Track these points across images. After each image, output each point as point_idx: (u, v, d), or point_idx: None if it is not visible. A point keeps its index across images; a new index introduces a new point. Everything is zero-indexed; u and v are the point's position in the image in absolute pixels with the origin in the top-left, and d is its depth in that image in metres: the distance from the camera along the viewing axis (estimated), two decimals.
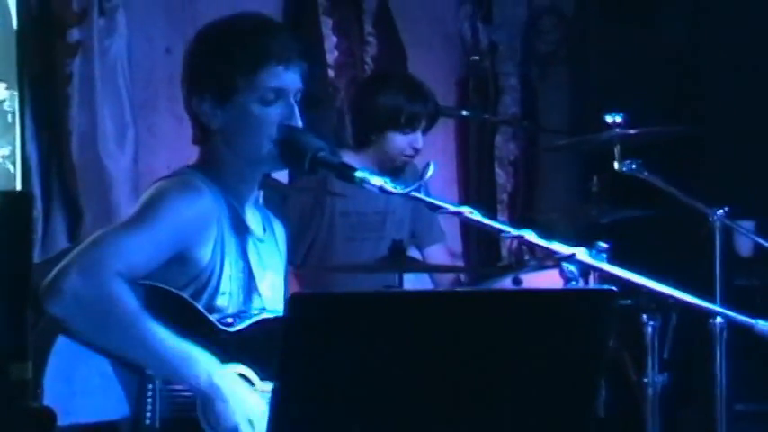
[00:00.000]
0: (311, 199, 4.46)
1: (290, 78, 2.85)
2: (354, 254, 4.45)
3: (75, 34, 4.54)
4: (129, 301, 2.63)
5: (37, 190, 4.45)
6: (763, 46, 5.36)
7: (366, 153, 4.46)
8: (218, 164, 2.88)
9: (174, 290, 2.73)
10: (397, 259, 4.05)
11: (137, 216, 2.74)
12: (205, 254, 2.79)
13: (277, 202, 4.46)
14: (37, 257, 4.32)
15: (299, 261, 4.47)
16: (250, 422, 2.68)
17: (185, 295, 2.74)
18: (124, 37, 4.65)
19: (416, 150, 4.45)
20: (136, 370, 2.68)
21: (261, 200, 3.09)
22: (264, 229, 2.99)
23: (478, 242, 5.33)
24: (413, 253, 4.67)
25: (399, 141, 4.43)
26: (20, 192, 3.90)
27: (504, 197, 5.85)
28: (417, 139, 4.44)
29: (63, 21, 4.52)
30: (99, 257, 2.64)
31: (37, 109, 4.50)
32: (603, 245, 3.60)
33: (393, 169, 4.48)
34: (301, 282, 4.47)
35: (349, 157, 4.44)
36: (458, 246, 5.58)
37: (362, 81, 5.01)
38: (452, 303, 2.28)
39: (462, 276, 4.78)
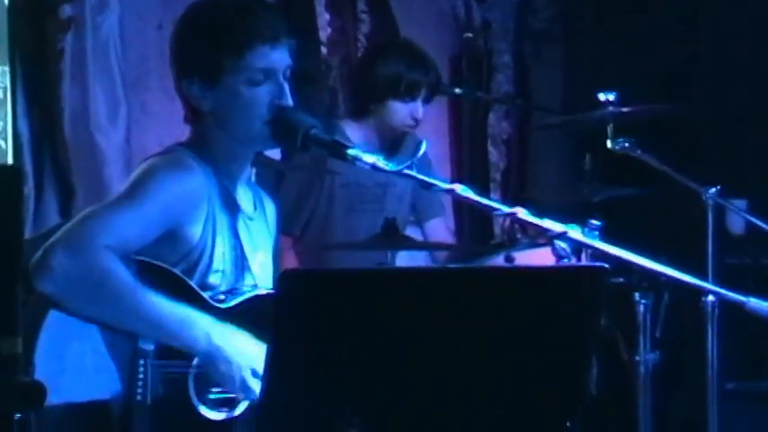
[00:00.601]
0: (308, 176, 4.45)
1: (277, 57, 2.84)
2: (354, 225, 4.45)
3: (67, 10, 4.53)
4: (120, 271, 2.63)
5: (29, 166, 4.45)
6: (757, 26, 5.35)
7: (366, 122, 4.46)
8: (209, 143, 2.88)
9: (166, 266, 2.73)
10: (390, 237, 4.05)
11: (127, 193, 2.74)
12: (196, 231, 2.79)
13: (271, 179, 4.47)
14: (28, 234, 4.30)
15: (297, 232, 4.47)
16: (254, 373, 2.68)
17: (177, 272, 2.74)
18: (116, 13, 4.63)
19: (417, 121, 4.45)
20: (128, 346, 2.68)
21: (253, 177, 3.08)
22: (255, 207, 2.99)
23: (471, 220, 5.33)
24: (412, 228, 4.68)
25: (399, 110, 4.42)
26: (10, 166, 3.89)
27: (497, 175, 5.85)
28: (417, 108, 4.43)
29: None
30: (87, 233, 2.64)
31: (29, 85, 4.48)
32: (596, 223, 3.61)
33: (393, 140, 4.48)
34: (300, 258, 4.47)
35: (350, 127, 4.46)
36: (450, 223, 5.57)
37: (364, 50, 4.98)
38: (443, 281, 2.28)
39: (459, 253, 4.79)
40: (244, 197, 2.95)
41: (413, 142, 4.49)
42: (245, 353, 2.70)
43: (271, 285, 2.90)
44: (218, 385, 2.73)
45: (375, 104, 4.43)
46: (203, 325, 2.69)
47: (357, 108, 4.53)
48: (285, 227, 4.18)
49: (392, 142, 4.48)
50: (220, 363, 2.69)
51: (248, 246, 2.92)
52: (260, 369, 2.65)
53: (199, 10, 2.91)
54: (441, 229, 4.72)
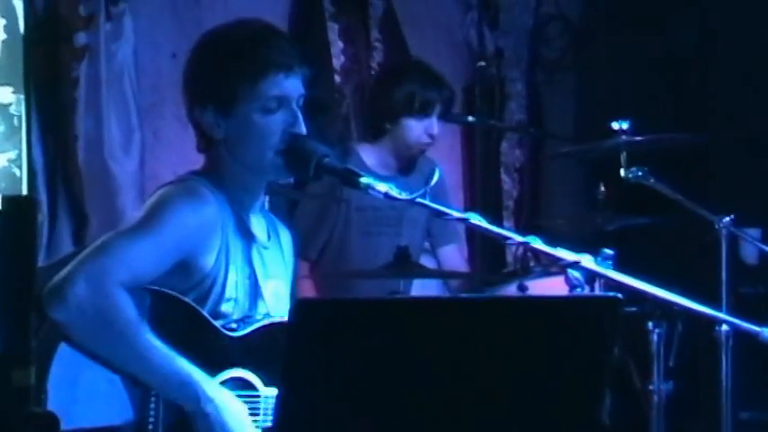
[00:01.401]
0: (322, 202, 4.46)
1: (291, 85, 2.85)
2: (371, 249, 4.45)
3: (81, 38, 4.55)
4: (130, 313, 2.63)
5: (42, 194, 4.46)
6: None
7: (382, 144, 4.48)
8: (222, 171, 2.88)
9: (178, 295, 2.72)
10: (403, 265, 4.05)
11: (141, 222, 2.73)
12: (209, 261, 2.79)
13: (284, 207, 4.47)
14: (41, 262, 4.32)
15: (314, 256, 4.47)
16: None
17: (190, 301, 2.74)
18: (131, 41, 4.66)
19: (432, 137, 4.46)
20: None
21: (267, 205, 3.08)
22: (269, 236, 2.99)
23: (484, 248, 5.32)
24: (425, 256, 4.68)
25: (415, 127, 4.44)
26: (25, 196, 3.90)
27: (510, 204, 5.85)
28: (432, 124, 4.45)
29: (70, 25, 4.53)
30: (104, 266, 2.64)
31: (43, 113, 4.50)
32: (609, 252, 3.60)
33: (409, 159, 4.48)
34: (317, 285, 4.47)
35: (365, 150, 4.47)
36: (463, 252, 5.57)
37: (377, 73, 5.00)
38: (457, 310, 2.27)
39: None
40: (257, 226, 2.94)
41: (427, 164, 4.51)
42: (232, 425, 2.67)
43: (285, 313, 2.89)
44: None
45: (391, 124, 4.45)
46: (198, 386, 2.66)
47: (372, 130, 4.54)
48: (301, 251, 4.19)
49: (408, 162, 4.49)
50: (205, 429, 2.67)
51: (261, 274, 2.91)
52: None
53: (213, 38, 2.92)
54: (455, 255, 4.72)
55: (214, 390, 2.68)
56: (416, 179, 4.40)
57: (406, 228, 4.50)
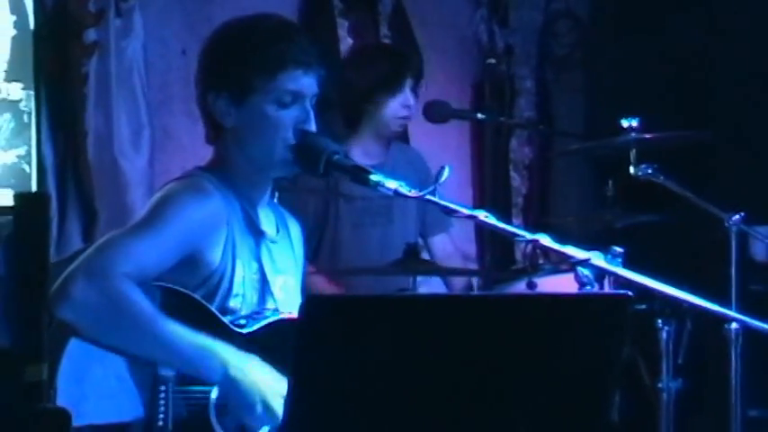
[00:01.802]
0: (321, 200, 4.46)
1: (307, 83, 2.86)
2: (363, 240, 4.45)
3: (91, 35, 4.56)
4: (139, 299, 2.64)
5: (52, 190, 4.47)
6: None
7: (362, 131, 4.48)
8: (229, 166, 2.89)
9: (186, 291, 2.73)
10: (411, 262, 4.05)
11: (145, 218, 2.74)
12: (215, 256, 2.79)
13: (287, 202, 4.47)
14: (52, 258, 4.32)
15: (310, 256, 4.47)
16: (266, 405, 2.68)
17: (198, 297, 2.74)
18: (140, 38, 4.66)
19: (410, 109, 4.46)
20: (149, 371, 2.68)
21: (276, 199, 3.08)
22: (278, 230, 2.99)
23: (493, 245, 5.32)
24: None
25: (390, 104, 4.45)
26: (37, 192, 3.91)
27: (519, 201, 5.84)
28: (407, 97, 4.47)
29: (80, 21, 4.54)
30: (106, 260, 2.64)
31: (53, 109, 4.51)
32: (619, 249, 3.59)
33: (390, 140, 4.53)
34: (331, 281, 4.47)
35: (351, 148, 4.47)
36: (472, 249, 5.57)
37: (344, 62, 4.96)
38: (466, 307, 2.28)
39: (475, 280, 4.77)
40: (266, 220, 2.95)
41: (407, 153, 4.52)
42: (261, 384, 2.69)
43: (295, 308, 2.88)
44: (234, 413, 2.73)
45: (366, 105, 4.46)
46: (221, 355, 2.68)
47: (351, 120, 4.54)
48: None
49: (388, 144, 4.51)
50: (236, 394, 2.68)
51: (270, 269, 2.91)
52: (273, 403, 2.66)
53: (236, 27, 2.92)
54: (447, 245, 4.70)
55: (238, 357, 2.69)
56: (399, 164, 4.43)
57: (398, 217, 4.50)
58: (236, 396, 2.68)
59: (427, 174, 4.49)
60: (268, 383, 2.69)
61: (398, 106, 4.48)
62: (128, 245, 2.68)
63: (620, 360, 2.33)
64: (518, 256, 5.51)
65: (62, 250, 4.43)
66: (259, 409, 2.68)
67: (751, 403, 4.45)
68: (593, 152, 5.02)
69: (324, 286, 4.36)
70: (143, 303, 2.64)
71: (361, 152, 4.43)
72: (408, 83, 4.49)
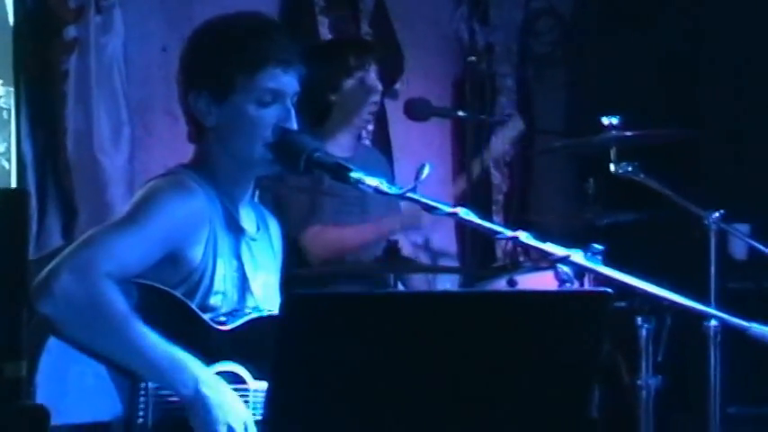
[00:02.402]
0: (306, 199, 4.45)
1: (288, 81, 2.86)
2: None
3: (71, 32, 4.54)
4: (119, 303, 2.63)
5: (32, 187, 4.45)
6: (760, 49, 5.36)
7: (330, 123, 4.48)
8: (211, 164, 2.88)
9: (166, 289, 2.72)
10: (393, 260, 4.05)
11: (128, 216, 2.73)
12: (197, 253, 2.79)
13: (269, 200, 4.47)
14: (31, 255, 4.30)
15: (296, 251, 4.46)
16: (229, 429, 2.67)
17: (178, 294, 2.74)
18: (120, 35, 4.65)
19: (375, 89, 4.50)
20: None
21: (257, 197, 3.08)
22: (258, 228, 2.99)
23: (473, 243, 5.33)
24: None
25: (353, 87, 4.46)
26: (15, 189, 3.89)
27: (500, 198, 5.85)
28: (370, 77, 4.49)
29: (60, 18, 4.52)
30: (90, 258, 2.63)
31: (33, 106, 4.49)
32: (598, 247, 3.60)
33: (360, 128, 4.58)
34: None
35: (329, 143, 4.47)
36: (453, 246, 5.58)
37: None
38: (446, 304, 2.28)
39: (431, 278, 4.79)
40: (246, 218, 2.95)
41: (375, 157, 4.52)
42: (228, 406, 2.67)
43: (274, 305, 2.89)
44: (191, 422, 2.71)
45: (334, 94, 4.46)
46: (193, 370, 2.66)
47: (318, 114, 4.53)
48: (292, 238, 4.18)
49: (366, 122, 4.56)
50: (203, 411, 2.66)
51: (250, 267, 2.91)
52: (236, 425, 2.65)
53: (216, 26, 2.92)
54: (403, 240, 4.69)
55: (208, 373, 2.68)
56: (368, 160, 4.48)
57: (372, 207, 4.50)
58: (202, 413, 2.66)
59: (389, 176, 4.49)
60: (235, 407, 2.68)
61: (364, 93, 4.48)
62: (111, 242, 2.67)
63: (599, 357, 2.34)
64: (499, 253, 5.52)
65: (42, 247, 4.41)
66: (222, 430, 2.67)
67: (730, 400, 4.47)
68: (574, 150, 5.04)
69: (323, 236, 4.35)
70: (122, 308, 2.62)
71: (331, 144, 4.44)
72: (372, 68, 4.51)
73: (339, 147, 4.44)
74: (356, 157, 4.44)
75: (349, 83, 4.47)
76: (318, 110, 4.51)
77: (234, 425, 2.66)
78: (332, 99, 4.49)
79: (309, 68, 4.54)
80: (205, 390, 2.66)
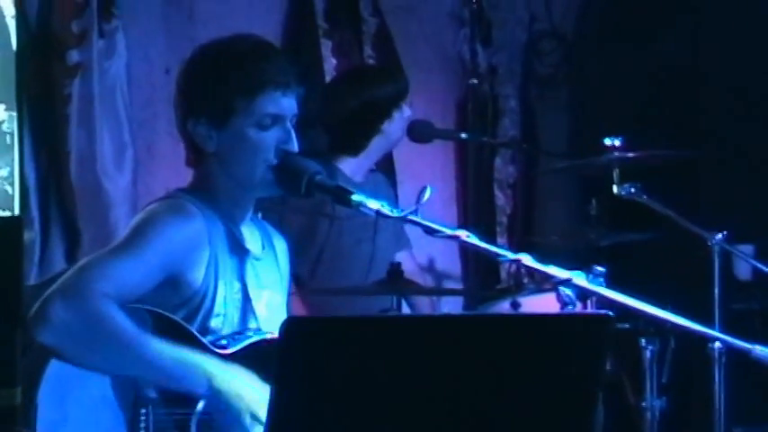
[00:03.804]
0: (305, 223, 4.45)
1: (287, 103, 2.86)
2: (361, 256, 4.45)
3: (74, 56, 4.55)
4: (119, 318, 2.63)
5: (35, 211, 4.45)
6: (761, 67, 5.36)
7: (371, 150, 4.50)
8: (211, 186, 2.88)
9: (165, 313, 2.72)
10: (396, 282, 4.04)
11: (126, 240, 2.74)
12: (197, 276, 2.79)
13: (274, 221, 4.46)
14: (34, 279, 4.31)
15: (306, 270, 4.45)
16: (253, 417, 2.68)
17: (178, 318, 2.74)
18: (123, 58, 4.66)
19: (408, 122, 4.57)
20: (130, 392, 2.67)
21: (260, 215, 3.08)
22: (263, 246, 2.99)
23: (477, 265, 5.32)
24: None
25: (396, 123, 4.49)
26: (11, 216, 3.89)
27: (504, 219, 5.84)
28: (407, 110, 4.52)
29: (63, 42, 4.53)
30: (85, 281, 2.63)
31: (36, 130, 4.50)
32: (600, 269, 3.60)
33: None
34: (306, 302, 4.46)
35: (347, 164, 4.46)
36: (457, 268, 5.57)
37: (340, 87, 4.95)
38: (445, 328, 2.27)
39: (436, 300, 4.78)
40: (250, 237, 2.94)
41: (379, 180, 4.54)
42: (247, 396, 2.70)
43: (279, 325, 2.88)
44: (221, 429, 2.72)
45: (384, 125, 4.48)
46: (206, 368, 2.68)
47: (360, 142, 4.54)
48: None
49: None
50: (222, 407, 2.69)
51: (253, 287, 2.91)
52: (260, 413, 2.65)
53: (212, 50, 2.92)
54: (408, 262, 4.69)
55: (221, 369, 2.69)
56: (379, 183, 4.53)
57: (381, 230, 4.50)
58: (222, 408, 2.69)
59: (395, 202, 4.50)
60: (253, 393, 2.70)
61: (404, 123, 4.51)
62: (108, 266, 2.67)
63: (601, 380, 2.33)
64: (503, 275, 5.51)
65: (45, 271, 4.41)
66: (247, 419, 2.69)
67: (735, 422, 4.45)
68: (577, 171, 5.04)
69: (298, 310, 4.35)
70: (123, 322, 2.63)
71: (356, 170, 4.45)
72: (407, 97, 4.56)
73: (360, 173, 4.46)
74: (367, 182, 4.44)
75: (397, 114, 4.49)
76: (369, 136, 4.51)
77: (256, 411, 2.67)
78: (382, 127, 4.50)
79: (364, 90, 4.58)
80: (219, 385, 2.67)
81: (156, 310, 2.71)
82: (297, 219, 4.48)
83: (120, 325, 2.62)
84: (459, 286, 5.47)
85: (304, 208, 4.38)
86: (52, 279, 2.96)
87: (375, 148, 4.51)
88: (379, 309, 4.12)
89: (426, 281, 4.93)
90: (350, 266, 4.46)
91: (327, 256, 4.48)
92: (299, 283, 4.47)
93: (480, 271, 5.40)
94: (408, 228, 4.43)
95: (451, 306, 5.06)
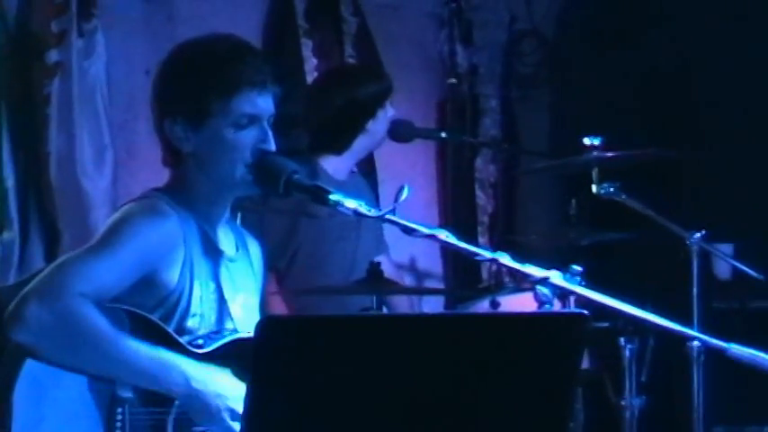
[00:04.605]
0: (285, 222, 4.45)
1: (264, 103, 2.85)
2: (343, 254, 4.45)
3: (53, 55, 4.54)
4: (95, 318, 2.62)
5: (14, 211, 4.44)
6: (742, 68, 5.38)
7: (351, 150, 4.49)
8: (188, 187, 2.88)
9: (142, 312, 2.72)
10: (376, 282, 4.04)
11: (101, 240, 2.73)
12: (173, 277, 2.78)
13: (254, 222, 4.46)
14: (13, 279, 4.30)
15: (283, 266, 4.45)
16: (233, 414, 2.68)
17: (154, 318, 2.74)
18: (103, 58, 4.65)
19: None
20: (106, 392, 2.66)
21: (238, 220, 3.08)
22: (237, 249, 2.98)
23: (458, 264, 5.33)
24: None
25: (381, 122, 4.49)
26: None
27: (485, 219, 5.85)
28: (390, 110, 4.53)
29: (42, 42, 4.52)
30: (60, 281, 2.63)
31: (15, 130, 4.49)
32: (578, 268, 3.60)
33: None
34: (286, 301, 4.46)
35: (329, 162, 4.46)
36: (438, 268, 5.57)
37: (323, 85, 4.94)
38: (424, 327, 2.28)
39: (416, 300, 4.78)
40: (224, 239, 2.94)
41: (358, 182, 4.55)
42: (225, 394, 2.70)
43: (254, 326, 2.88)
44: (199, 426, 2.72)
45: (369, 124, 4.48)
46: (182, 368, 2.68)
47: (344, 140, 4.53)
48: (270, 261, 4.18)
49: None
50: (201, 406, 2.69)
51: (228, 288, 2.91)
52: (239, 410, 2.65)
53: (188, 51, 2.92)
54: (386, 267, 4.69)
55: (198, 368, 2.69)
56: (359, 182, 4.54)
57: (363, 231, 4.50)
58: (200, 408, 2.69)
59: (373, 200, 4.50)
60: (231, 390, 2.69)
61: (386, 121, 4.52)
62: (83, 266, 2.67)
63: (576, 378, 2.34)
64: (484, 274, 5.52)
65: (24, 272, 4.40)
66: (226, 417, 2.69)
67: (715, 420, 4.47)
68: (558, 171, 5.04)
69: (278, 307, 4.35)
70: (100, 322, 2.63)
71: (338, 169, 4.45)
72: (391, 96, 4.56)
73: (342, 172, 4.46)
74: (348, 182, 4.44)
75: (381, 113, 4.49)
76: (354, 134, 4.51)
77: (234, 407, 2.67)
78: (368, 126, 4.50)
79: (349, 89, 4.58)
80: (197, 385, 2.67)
81: (132, 309, 2.70)
82: (277, 218, 4.48)
83: (96, 325, 2.62)
84: (440, 286, 5.48)
85: (284, 207, 4.38)
86: (30, 278, 2.95)
87: (359, 146, 4.51)
88: (360, 308, 4.12)
89: (407, 280, 4.94)
90: (330, 265, 4.46)
91: (306, 253, 4.47)
92: (279, 281, 4.48)
93: (461, 270, 5.41)
94: (388, 228, 4.43)
95: (432, 305, 5.07)
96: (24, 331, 2.58)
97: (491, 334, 2.27)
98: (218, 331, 2.86)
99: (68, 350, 2.62)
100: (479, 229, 5.82)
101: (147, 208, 2.79)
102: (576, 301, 3.75)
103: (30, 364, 2.59)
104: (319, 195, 2.77)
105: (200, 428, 2.73)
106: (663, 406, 4.33)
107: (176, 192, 2.87)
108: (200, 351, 2.77)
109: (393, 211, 2.69)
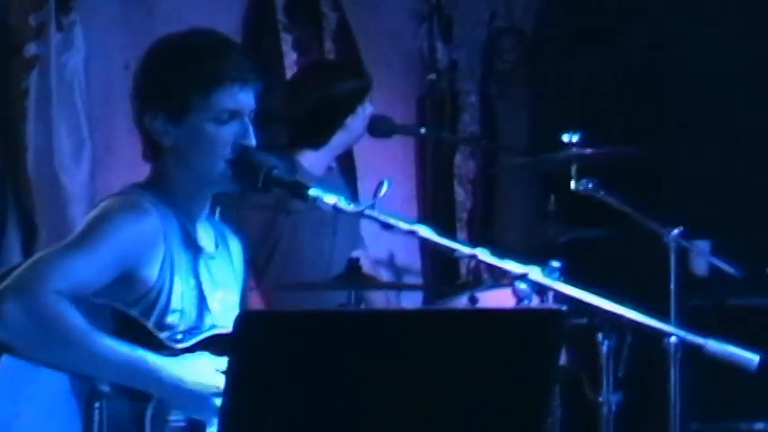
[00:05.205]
0: (264, 218, 4.44)
1: (244, 98, 2.85)
2: (320, 249, 4.45)
3: (32, 49, 4.53)
4: (71, 315, 2.61)
5: None
6: (720, 67, 5.40)
7: (329, 145, 4.50)
8: (168, 182, 2.87)
9: (121, 307, 2.71)
10: (354, 277, 4.05)
11: (79, 236, 2.72)
12: (152, 273, 2.78)
13: (231, 217, 4.45)
14: None
15: (261, 262, 4.44)
16: (217, 393, 2.66)
17: (134, 313, 2.73)
18: (81, 52, 4.63)
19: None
20: (86, 386, 2.66)
21: (218, 215, 3.07)
22: (217, 245, 2.98)
23: (437, 260, 5.33)
24: None
25: (359, 118, 4.50)
26: None
27: (464, 215, 5.86)
28: (369, 106, 4.53)
29: (20, 35, 4.50)
30: (37, 278, 2.62)
31: None
32: (556, 264, 3.61)
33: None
34: (265, 296, 4.46)
35: (306, 157, 4.46)
36: (417, 263, 5.58)
37: (302, 79, 4.93)
38: (402, 323, 2.28)
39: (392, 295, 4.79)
40: (204, 236, 2.94)
41: (334, 178, 4.55)
42: (204, 379, 2.69)
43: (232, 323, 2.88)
44: (182, 412, 2.71)
45: (348, 120, 4.48)
46: (157, 366, 2.67)
47: (323, 135, 4.53)
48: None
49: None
50: (183, 399, 2.68)
51: (208, 284, 2.90)
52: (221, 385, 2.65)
53: (168, 45, 2.91)
54: (365, 262, 4.69)
55: (172, 364, 2.68)
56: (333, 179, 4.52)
57: (340, 226, 4.51)
58: (183, 401, 2.68)
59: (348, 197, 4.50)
60: (211, 374, 2.69)
61: (365, 119, 4.52)
62: (61, 262, 2.66)
63: (554, 374, 2.35)
64: (463, 270, 5.52)
65: (1, 265, 4.39)
66: (214, 401, 2.67)
67: (692, 416, 4.49)
68: (537, 167, 5.05)
69: (256, 303, 4.34)
70: (76, 320, 2.62)
71: (316, 164, 4.45)
72: (370, 95, 4.56)
73: (321, 167, 4.46)
74: (325, 177, 4.44)
75: (360, 109, 4.49)
76: (333, 129, 4.50)
77: (220, 387, 2.66)
78: (346, 122, 4.50)
79: (326, 85, 4.57)
80: (172, 381, 2.66)
81: (112, 304, 2.69)
82: (255, 213, 4.47)
83: (72, 323, 2.61)
84: (418, 281, 5.48)
85: (263, 202, 4.37)
86: (6, 273, 2.94)
87: (337, 142, 4.51)
88: (338, 304, 4.12)
89: (385, 276, 4.94)
90: (307, 261, 4.46)
91: (283, 248, 4.47)
92: (257, 276, 4.47)
93: (440, 266, 5.42)
94: (366, 223, 4.43)
95: (411, 301, 5.07)
96: (0, 328, 2.57)
97: (469, 329, 2.27)
98: (198, 327, 2.85)
99: (44, 348, 2.61)
100: (458, 225, 5.83)
101: (126, 204, 2.78)
102: (554, 296, 3.77)
103: (6, 360, 2.58)
104: (298, 190, 2.77)
105: (178, 418, 2.73)
106: (640, 402, 4.34)
107: (156, 188, 2.86)
108: (179, 346, 2.77)
109: (372, 207, 2.69)
